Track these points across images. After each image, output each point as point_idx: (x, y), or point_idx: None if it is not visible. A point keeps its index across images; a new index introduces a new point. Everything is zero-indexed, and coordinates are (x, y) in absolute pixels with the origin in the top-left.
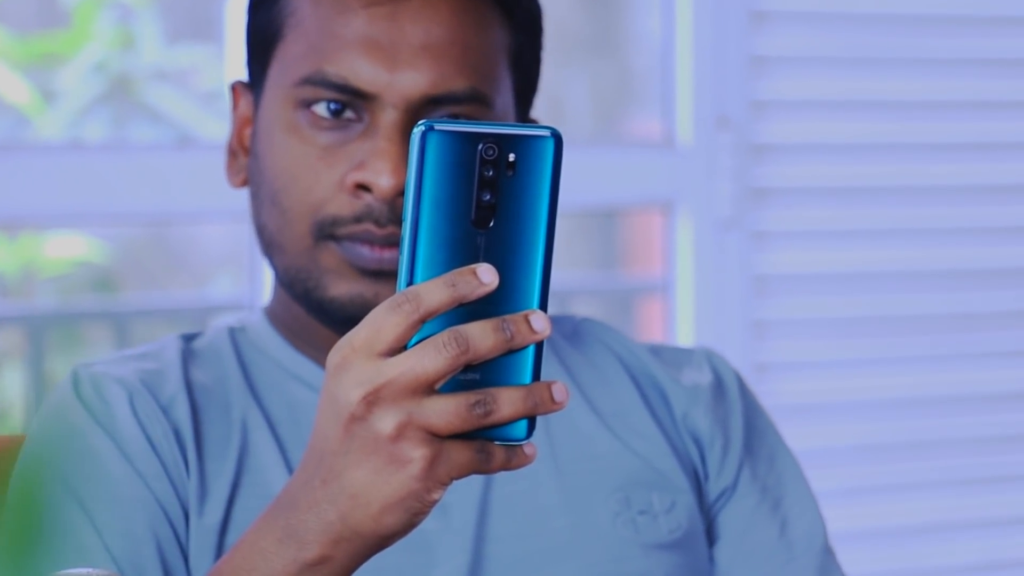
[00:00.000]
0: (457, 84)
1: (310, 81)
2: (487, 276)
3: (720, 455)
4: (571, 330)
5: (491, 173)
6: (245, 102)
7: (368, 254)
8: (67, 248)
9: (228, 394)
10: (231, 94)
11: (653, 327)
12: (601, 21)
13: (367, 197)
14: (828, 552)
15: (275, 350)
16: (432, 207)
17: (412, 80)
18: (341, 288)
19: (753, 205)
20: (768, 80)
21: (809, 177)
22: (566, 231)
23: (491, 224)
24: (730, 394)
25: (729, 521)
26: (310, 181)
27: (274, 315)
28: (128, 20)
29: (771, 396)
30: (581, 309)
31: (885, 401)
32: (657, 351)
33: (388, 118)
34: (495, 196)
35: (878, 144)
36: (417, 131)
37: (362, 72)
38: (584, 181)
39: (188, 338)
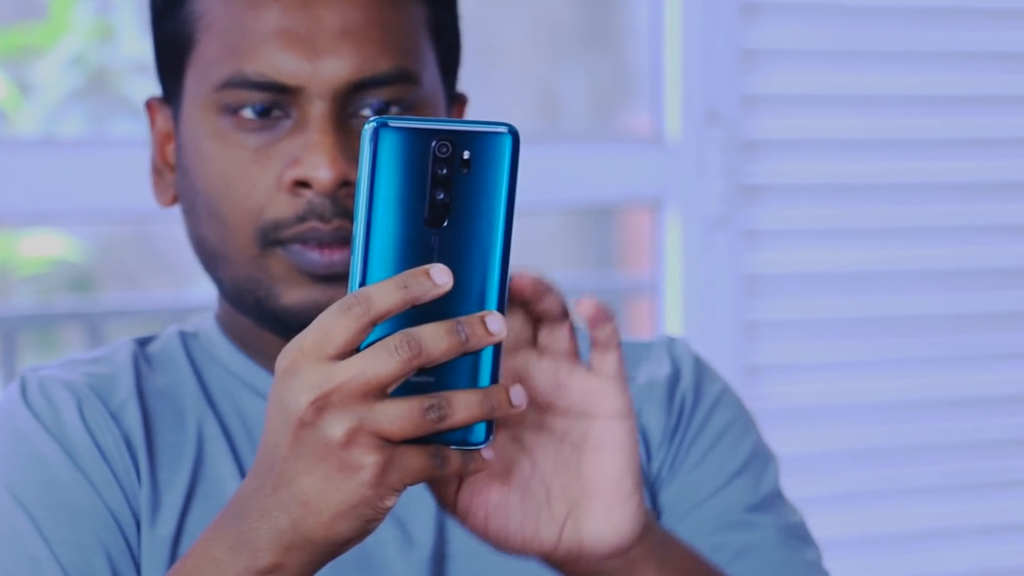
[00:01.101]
0: (381, 66)
1: (230, 83)
2: (441, 277)
3: (672, 456)
4: None
5: (445, 171)
6: (163, 118)
7: (318, 258)
8: (43, 247)
9: (182, 401)
10: (147, 112)
11: (644, 328)
12: (597, 14)
13: (307, 194)
14: (777, 495)
15: (226, 357)
16: (384, 206)
17: (335, 67)
18: (294, 296)
19: (744, 203)
20: (759, 74)
21: (802, 174)
22: (560, 229)
23: (445, 223)
24: (683, 383)
25: (671, 492)
26: (246, 186)
27: (223, 323)
28: (106, 11)
29: (763, 399)
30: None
31: (880, 404)
32: None
33: (316, 110)
34: (449, 195)
35: (873, 140)
36: (368, 128)
37: (282, 66)
38: (570, 178)
39: (142, 342)
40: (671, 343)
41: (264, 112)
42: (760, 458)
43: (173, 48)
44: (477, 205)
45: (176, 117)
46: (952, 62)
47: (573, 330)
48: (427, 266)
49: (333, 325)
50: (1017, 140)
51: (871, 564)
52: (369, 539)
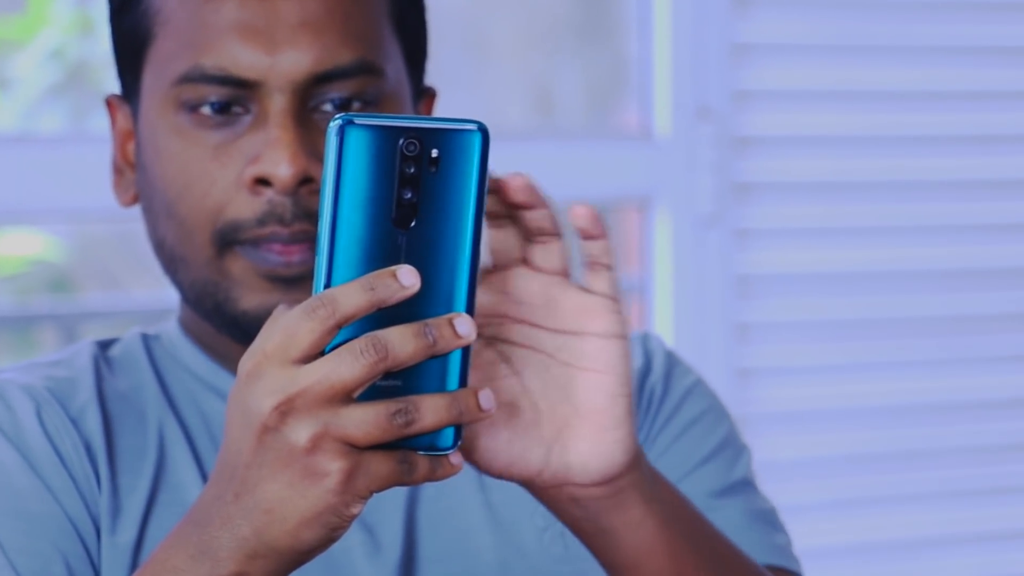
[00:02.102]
0: (343, 57)
1: (188, 78)
2: (408, 278)
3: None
4: None
5: (413, 170)
6: (123, 115)
7: (277, 258)
8: (22, 246)
9: (144, 404)
10: (107, 109)
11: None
12: (593, 8)
13: (267, 192)
14: (748, 483)
15: (190, 360)
16: (350, 206)
17: (294, 60)
18: (253, 300)
19: (736, 201)
20: (751, 68)
21: (795, 171)
22: None
23: (413, 224)
24: (653, 375)
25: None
26: (205, 185)
27: (186, 326)
28: (86, 3)
29: (755, 403)
30: None
31: (876, 408)
32: None
33: (276, 104)
34: (417, 194)
35: (868, 136)
36: (334, 125)
37: (241, 59)
38: (555, 176)
39: (103, 345)
40: (645, 338)
41: (223, 108)
42: (731, 448)
43: (131, 44)
44: (446, 205)
45: (135, 114)
46: (950, 56)
47: (565, 247)
48: (394, 267)
49: (297, 327)
50: (1017, 136)
51: (868, 573)
52: (336, 545)
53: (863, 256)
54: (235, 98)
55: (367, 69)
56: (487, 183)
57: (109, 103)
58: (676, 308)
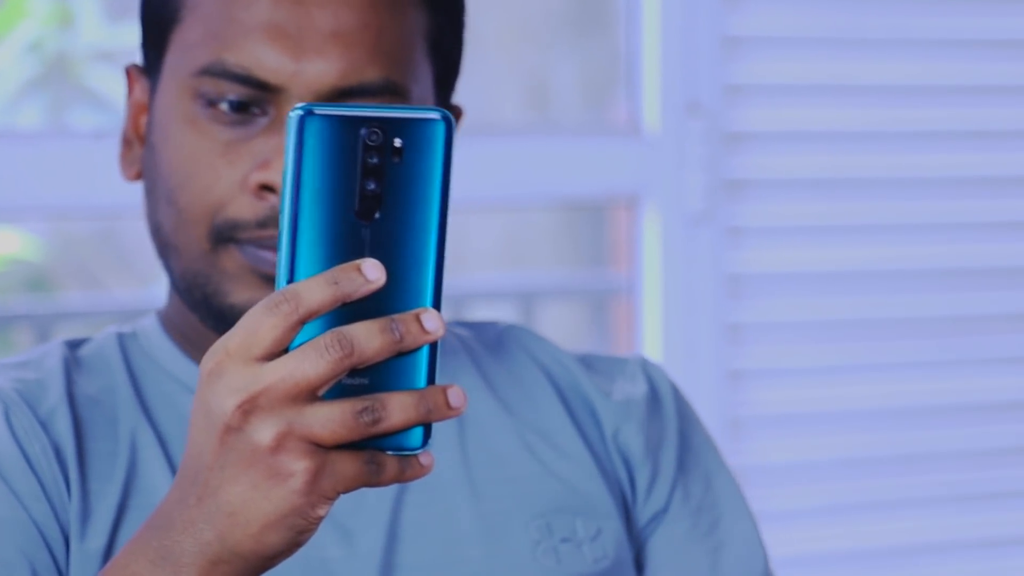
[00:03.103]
0: (369, 74)
1: (209, 72)
2: (373, 272)
3: (651, 476)
4: (494, 338)
5: (375, 160)
6: (140, 88)
7: (272, 258)
8: None
9: (115, 407)
10: (126, 78)
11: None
12: None
13: (271, 199)
14: None
15: (168, 359)
16: (312, 198)
17: (320, 70)
18: (243, 295)
19: (727, 198)
20: (743, 62)
21: (788, 168)
22: (551, 226)
23: (377, 215)
24: (665, 408)
25: (659, 548)
26: (209, 180)
27: (168, 321)
28: None
29: (747, 406)
30: (557, 310)
31: (872, 411)
32: (588, 361)
33: None
34: (380, 185)
35: (864, 132)
36: (294, 115)
37: (266, 61)
38: (541, 173)
39: (73, 345)
40: (645, 364)
41: (241, 106)
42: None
43: (158, 21)
44: (410, 196)
45: (153, 91)
46: (949, 50)
47: None
48: (358, 261)
49: (260, 324)
50: (1017, 132)
51: None
52: (313, 550)
53: (858, 255)
54: (254, 99)
55: (392, 89)
56: (451, 173)
57: (129, 72)
58: (666, 308)
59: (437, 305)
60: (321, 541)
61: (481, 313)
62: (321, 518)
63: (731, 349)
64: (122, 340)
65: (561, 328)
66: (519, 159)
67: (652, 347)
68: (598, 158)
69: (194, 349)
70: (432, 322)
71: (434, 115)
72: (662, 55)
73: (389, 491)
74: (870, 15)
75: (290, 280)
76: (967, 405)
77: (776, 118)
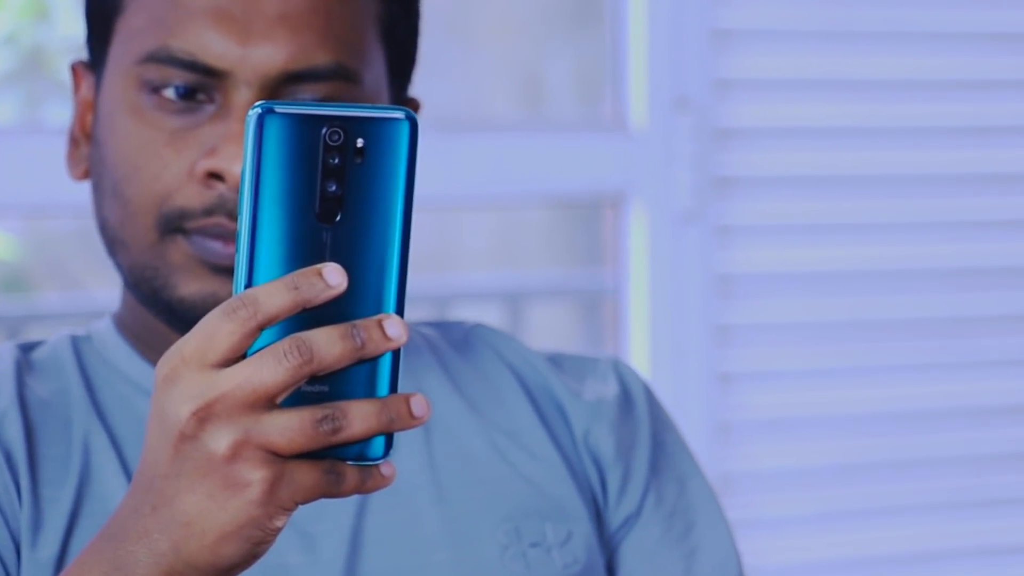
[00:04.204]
0: (319, 58)
1: (154, 58)
2: (334, 277)
3: (623, 478)
4: (460, 338)
5: (337, 161)
6: (87, 84)
7: (220, 248)
8: None
9: (69, 411)
10: (72, 76)
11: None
12: None
13: (219, 187)
14: None
15: (122, 361)
16: (271, 200)
17: (268, 55)
18: (192, 287)
19: (716, 196)
20: (733, 56)
21: (779, 165)
22: (545, 225)
23: (338, 218)
24: (637, 409)
25: (631, 553)
26: (156, 169)
27: (122, 322)
28: None
29: (737, 410)
30: (547, 311)
31: (867, 415)
32: (557, 361)
33: (242, 98)
34: (342, 186)
35: (857, 128)
36: (253, 114)
37: (212, 46)
38: (525, 170)
39: (26, 348)
40: (617, 364)
41: (187, 93)
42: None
43: (101, 12)
44: (372, 198)
45: (98, 85)
46: (945, 43)
47: None
48: (319, 265)
49: (217, 330)
50: (1015, 128)
51: None
52: (274, 557)
53: (851, 254)
54: (200, 85)
55: (343, 74)
56: (416, 174)
57: (74, 69)
58: (653, 310)
59: (400, 311)
60: (282, 547)
61: (470, 314)
62: (279, 529)
63: (720, 351)
64: (76, 342)
65: (551, 329)
66: (500, 155)
67: (639, 349)
68: (583, 155)
69: (149, 350)
70: (395, 328)
71: (398, 114)
72: (649, 49)
73: (352, 496)
74: (863, 7)
75: (248, 284)
76: (964, 409)
77: (767, 113)
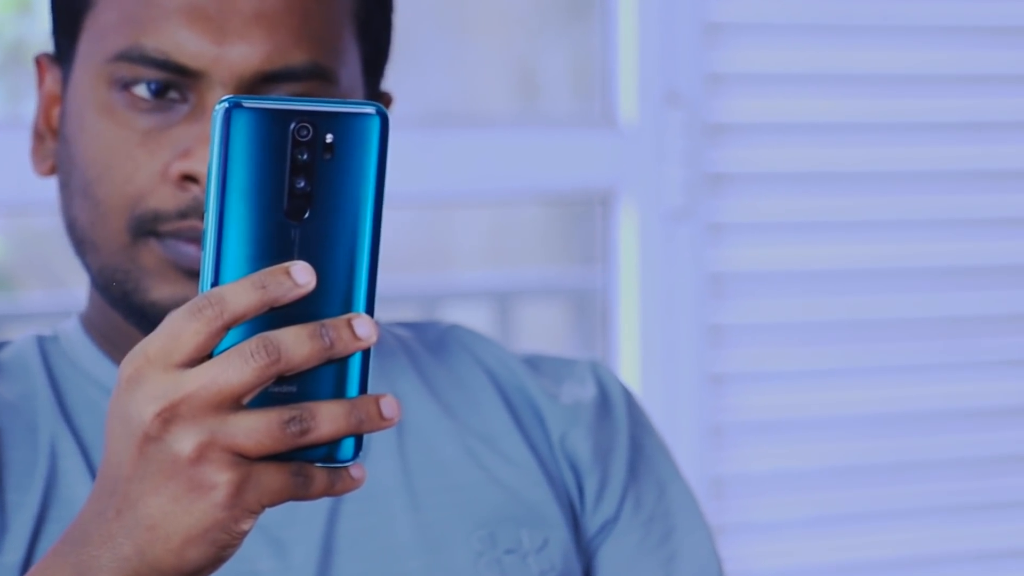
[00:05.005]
0: (295, 58)
1: (126, 57)
2: (302, 276)
3: (600, 483)
4: (434, 339)
5: (306, 157)
6: (52, 78)
7: (194, 252)
8: None
9: (35, 414)
10: (36, 68)
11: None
12: None
13: (194, 189)
14: None
15: (90, 363)
16: (239, 196)
17: (243, 54)
18: (164, 291)
19: (708, 193)
20: (725, 49)
21: (773, 161)
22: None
23: (307, 215)
24: (615, 412)
25: (609, 559)
26: (128, 170)
27: (90, 322)
28: None
29: (729, 412)
30: (539, 310)
31: (862, 417)
32: (534, 363)
33: (217, 98)
34: (311, 183)
35: (853, 123)
36: (220, 108)
37: (186, 45)
38: (512, 167)
39: None
40: (596, 366)
41: (159, 92)
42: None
43: (69, 5)
44: (342, 194)
45: (65, 80)
46: (943, 37)
47: None
48: (287, 264)
49: (182, 329)
50: (1014, 124)
51: None
52: (244, 563)
53: (846, 252)
54: (174, 84)
55: (319, 73)
56: (386, 171)
57: (39, 62)
58: (643, 310)
59: (370, 310)
60: (252, 553)
61: (459, 313)
62: (245, 533)
63: (713, 352)
64: (42, 344)
65: (542, 329)
66: (486, 151)
67: (629, 349)
68: (571, 151)
69: (117, 351)
70: (364, 328)
71: (368, 109)
72: (640, 42)
73: (324, 501)
74: (858, 0)
75: (215, 283)
76: (962, 410)
77: (760, 109)
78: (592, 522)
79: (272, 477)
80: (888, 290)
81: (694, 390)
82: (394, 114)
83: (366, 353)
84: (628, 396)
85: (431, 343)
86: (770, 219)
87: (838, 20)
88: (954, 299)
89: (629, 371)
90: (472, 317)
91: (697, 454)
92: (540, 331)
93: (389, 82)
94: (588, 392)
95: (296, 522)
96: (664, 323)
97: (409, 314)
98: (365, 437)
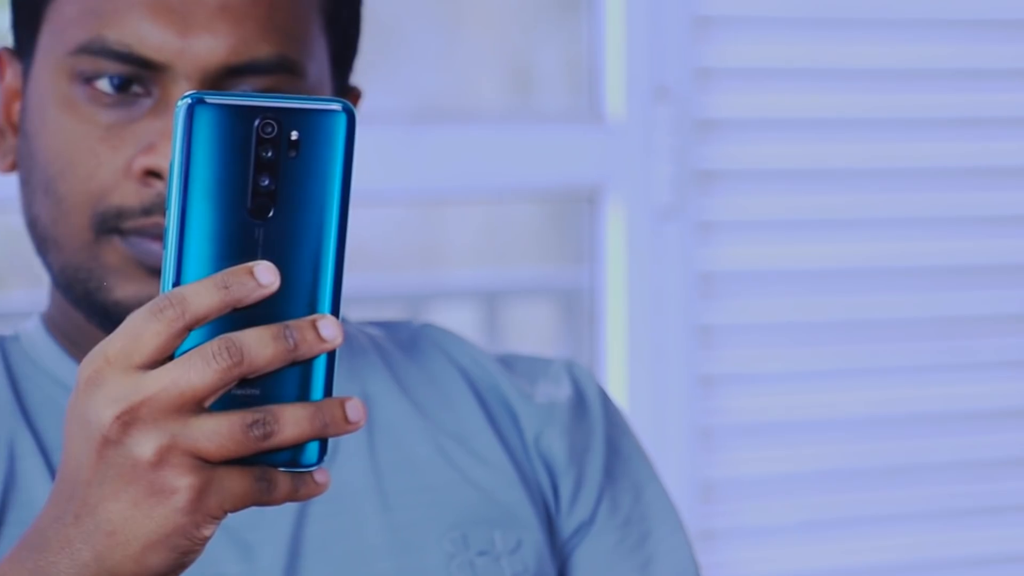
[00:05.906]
0: (262, 51)
1: (88, 50)
2: (266, 276)
3: (575, 484)
4: (407, 338)
5: (270, 154)
6: (12, 72)
7: (158, 250)
8: None
9: None
10: None
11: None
12: None
13: (158, 185)
14: None
15: (52, 362)
16: (202, 194)
17: (208, 47)
18: (128, 290)
19: (697, 191)
20: (715, 44)
21: (763, 158)
22: (536, 221)
23: (271, 214)
24: (591, 412)
25: (584, 562)
26: (91, 166)
27: (51, 322)
28: None
29: (719, 414)
30: (529, 309)
31: (854, 419)
32: (509, 362)
33: (181, 92)
34: (275, 181)
35: (846, 119)
36: (182, 104)
37: (149, 38)
38: (497, 164)
39: None
40: (571, 366)
41: (122, 86)
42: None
43: None
44: (307, 193)
45: (26, 74)
46: (936, 31)
47: None
48: (251, 263)
49: (142, 330)
50: (1012, 120)
51: None
52: (210, 566)
53: (839, 251)
54: (137, 77)
55: (286, 67)
56: (353, 169)
57: None
58: (631, 309)
59: (336, 311)
60: (219, 556)
61: (447, 313)
62: (207, 539)
63: (702, 353)
64: (2, 343)
65: (531, 329)
66: (472, 148)
67: (617, 350)
68: (558, 147)
69: (79, 351)
70: (329, 329)
71: (335, 106)
72: (627, 36)
73: (288, 503)
74: None
75: (176, 282)
76: (958, 413)
77: (750, 104)
78: (567, 524)
79: (234, 482)
80: (882, 290)
81: (683, 391)
82: (383, 109)
83: (331, 355)
84: (604, 396)
85: (403, 342)
86: (761, 217)
87: (829, 14)
88: (949, 299)
89: (617, 372)
90: (460, 317)
91: (686, 457)
92: (529, 331)
93: (380, 77)
94: (563, 392)
95: (263, 524)
96: (652, 323)
97: (396, 314)
98: (331, 440)
